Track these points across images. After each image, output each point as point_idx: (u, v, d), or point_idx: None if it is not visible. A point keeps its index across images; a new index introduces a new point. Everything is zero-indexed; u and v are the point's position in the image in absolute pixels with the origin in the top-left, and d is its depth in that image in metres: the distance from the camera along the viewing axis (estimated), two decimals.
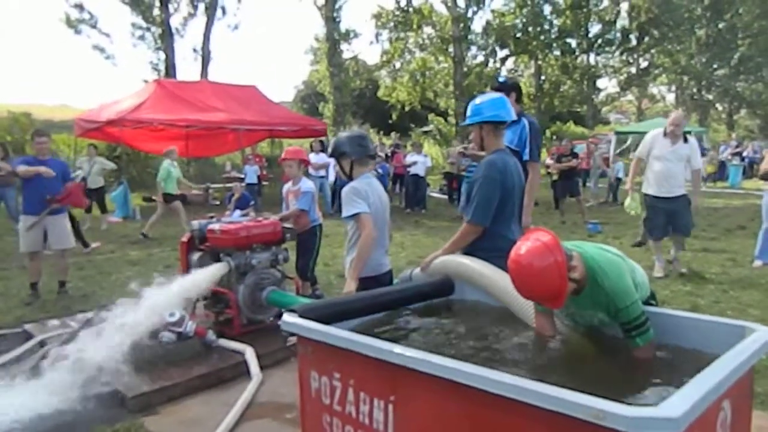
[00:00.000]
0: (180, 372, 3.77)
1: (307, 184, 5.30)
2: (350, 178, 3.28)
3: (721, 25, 30.42)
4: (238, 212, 9.60)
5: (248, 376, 3.79)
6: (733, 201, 14.26)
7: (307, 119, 18.19)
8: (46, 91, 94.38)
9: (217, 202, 14.51)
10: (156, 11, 22.06)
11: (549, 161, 12.05)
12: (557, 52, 29.57)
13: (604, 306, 1.97)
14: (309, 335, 2.07)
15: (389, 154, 15.32)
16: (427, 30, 27.07)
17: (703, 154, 13.64)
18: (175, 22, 22.49)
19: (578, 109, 34.02)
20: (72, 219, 8.23)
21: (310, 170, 12.03)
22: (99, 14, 31.59)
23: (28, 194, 5.86)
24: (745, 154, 21.39)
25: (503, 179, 2.85)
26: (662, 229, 6.18)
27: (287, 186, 5.41)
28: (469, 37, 26.91)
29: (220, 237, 4.40)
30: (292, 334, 2.18)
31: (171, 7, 22.20)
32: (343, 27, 24.36)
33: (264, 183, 15.19)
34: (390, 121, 28.33)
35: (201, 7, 22.96)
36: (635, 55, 32.46)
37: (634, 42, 31.18)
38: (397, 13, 26.90)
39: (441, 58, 27.55)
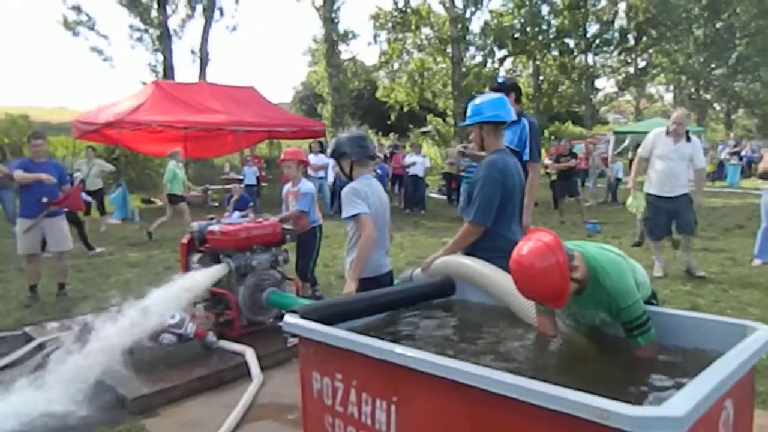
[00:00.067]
0: (180, 374, 3.76)
1: (307, 185, 5.30)
2: (350, 179, 3.28)
3: (718, 25, 30.52)
4: (236, 213, 9.59)
5: (249, 377, 3.78)
6: (731, 200, 14.29)
7: (306, 120, 18.20)
8: (44, 93, 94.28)
9: (216, 204, 14.51)
10: (154, 13, 22.08)
11: (548, 161, 12.06)
12: (555, 53, 29.61)
13: (606, 305, 1.97)
14: (311, 336, 2.07)
15: (388, 155, 15.33)
16: (425, 31, 27.11)
17: None
18: (173, 23, 22.54)
19: (576, 109, 34.07)
20: (79, 223, 8.25)
21: (309, 171, 12.03)
22: (97, 16, 31.75)
23: (26, 197, 5.83)
24: (743, 153, 21.44)
25: (504, 179, 2.85)
26: (663, 229, 6.12)
27: (287, 187, 5.41)
28: (467, 37, 26.94)
29: (220, 238, 4.39)
30: (294, 335, 2.18)
31: (169, 9, 22.22)
32: (341, 28, 24.42)
33: (263, 184, 15.18)
34: (388, 122, 28.34)
35: (199, 8, 22.99)
36: (633, 55, 32.53)
37: (632, 42, 31.24)
38: (395, 13, 26.93)
39: (439, 59, 27.57)
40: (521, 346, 2.13)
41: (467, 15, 26.47)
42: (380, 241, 3.23)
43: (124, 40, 49.21)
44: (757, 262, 6.61)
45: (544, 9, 28.36)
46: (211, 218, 4.83)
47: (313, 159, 12.63)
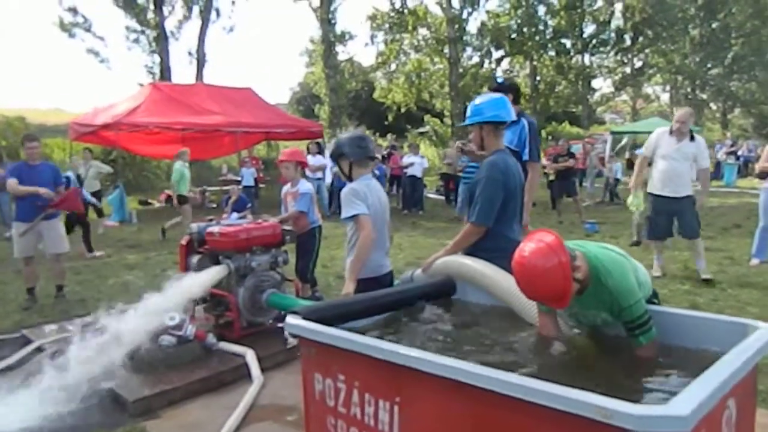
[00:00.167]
0: (180, 376, 3.75)
1: (305, 186, 5.29)
2: (350, 180, 3.28)
3: (714, 25, 30.63)
4: (235, 215, 9.59)
5: (249, 379, 3.77)
6: (728, 200, 14.32)
7: (304, 121, 18.19)
8: (40, 95, 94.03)
9: (214, 205, 14.49)
10: (150, 14, 22.06)
11: (546, 161, 12.08)
12: (552, 53, 29.70)
13: (607, 305, 1.97)
14: (312, 337, 2.06)
15: (386, 156, 15.32)
16: (422, 31, 27.15)
17: None
18: (169, 25, 22.55)
19: (573, 110, 34.13)
20: (86, 224, 8.24)
21: (307, 172, 12.02)
22: (93, 18, 31.66)
23: (21, 202, 5.80)
24: (739, 153, 21.50)
25: (505, 180, 2.85)
26: (663, 230, 6.00)
27: (286, 188, 5.40)
28: (464, 38, 27.02)
29: (220, 240, 4.38)
30: (295, 336, 2.18)
31: (165, 10, 22.21)
32: (338, 29, 24.47)
33: (261, 185, 15.17)
34: (386, 123, 28.33)
35: (195, 9, 22.97)
36: (629, 55, 32.64)
37: (628, 42, 31.36)
38: (392, 14, 26.96)
39: (436, 60, 27.62)
40: (522, 346, 2.12)
41: (464, 16, 26.54)
42: (380, 242, 3.23)
43: (120, 42, 48.65)
44: (754, 261, 6.63)
45: (541, 9, 28.48)
46: (210, 219, 4.82)
47: (311, 160, 12.61)
